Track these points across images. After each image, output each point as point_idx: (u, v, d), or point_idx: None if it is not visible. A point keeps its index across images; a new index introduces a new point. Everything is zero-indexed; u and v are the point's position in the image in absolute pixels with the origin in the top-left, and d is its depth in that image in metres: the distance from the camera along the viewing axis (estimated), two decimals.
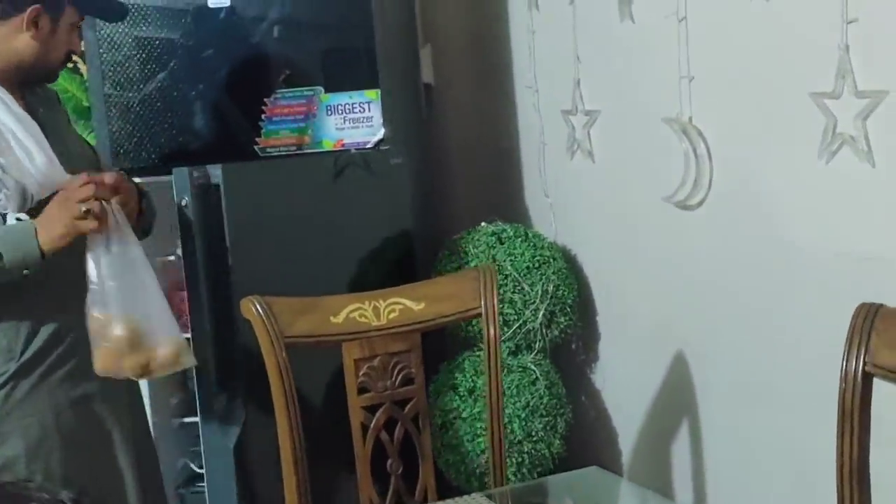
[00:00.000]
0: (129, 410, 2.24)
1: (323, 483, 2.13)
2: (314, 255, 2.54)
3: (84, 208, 1.95)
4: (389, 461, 2.11)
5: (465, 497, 1.99)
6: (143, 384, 2.61)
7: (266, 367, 1.98)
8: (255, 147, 2.64)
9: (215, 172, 2.46)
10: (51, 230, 1.97)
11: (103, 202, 1.98)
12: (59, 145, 2.08)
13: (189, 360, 2.07)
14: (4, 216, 1.99)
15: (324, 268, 2.53)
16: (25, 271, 1.97)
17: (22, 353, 2.05)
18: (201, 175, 2.46)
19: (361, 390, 2.07)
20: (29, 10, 2.05)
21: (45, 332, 2.07)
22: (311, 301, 2.06)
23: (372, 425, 2.07)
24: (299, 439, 1.97)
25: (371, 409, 2.08)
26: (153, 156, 2.66)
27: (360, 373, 2.07)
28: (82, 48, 2.38)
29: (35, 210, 2.01)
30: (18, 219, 1.99)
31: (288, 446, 1.97)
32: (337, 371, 2.09)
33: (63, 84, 3.01)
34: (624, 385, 2.73)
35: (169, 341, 2.03)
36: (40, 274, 1.99)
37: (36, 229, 1.97)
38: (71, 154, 2.13)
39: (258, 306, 1.99)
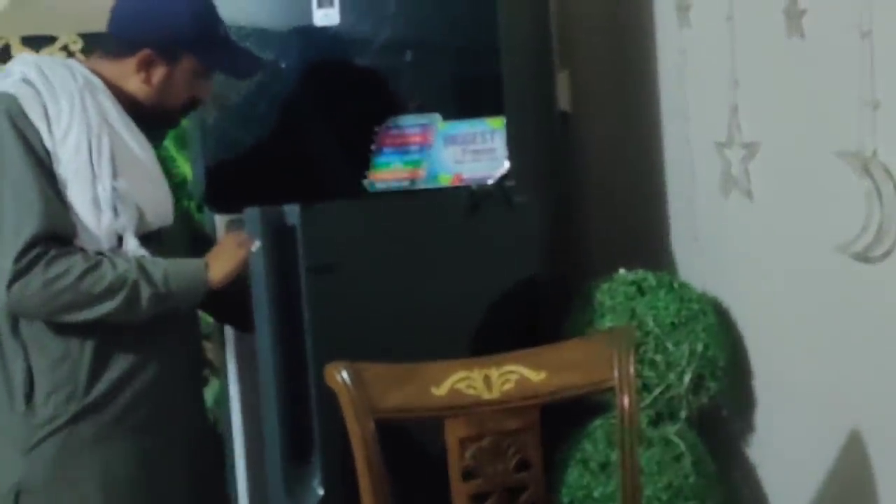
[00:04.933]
0: (201, 464, 2.21)
1: None
2: (411, 311, 2.24)
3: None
4: None
5: None
6: (239, 438, 2.45)
7: (351, 443, 1.75)
8: (364, 181, 2.40)
9: (292, 212, 2.20)
10: (225, 265, 2.10)
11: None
12: None
13: None
14: (121, 238, 2.00)
15: (422, 327, 2.23)
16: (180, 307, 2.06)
17: (86, 394, 1.97)
18: (276, 216, 2.21)
19: (467, 475, 1.86)
20: (139, 53, 2.08)
21: (115, 371, 1.99)
22: (409, 368, 1.84)
23: None
24: None
25: (479, 499, 1.86)
26: (250, 190, 2.42)
27: (467, 455, 1.86)
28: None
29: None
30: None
31: None
32: (438, 452, 1.87)
33: None
34: (787, 462, 2.42)
35: None
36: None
37: (206, 264, 2.08)
38: None
39: (345, 374, 1.77)
